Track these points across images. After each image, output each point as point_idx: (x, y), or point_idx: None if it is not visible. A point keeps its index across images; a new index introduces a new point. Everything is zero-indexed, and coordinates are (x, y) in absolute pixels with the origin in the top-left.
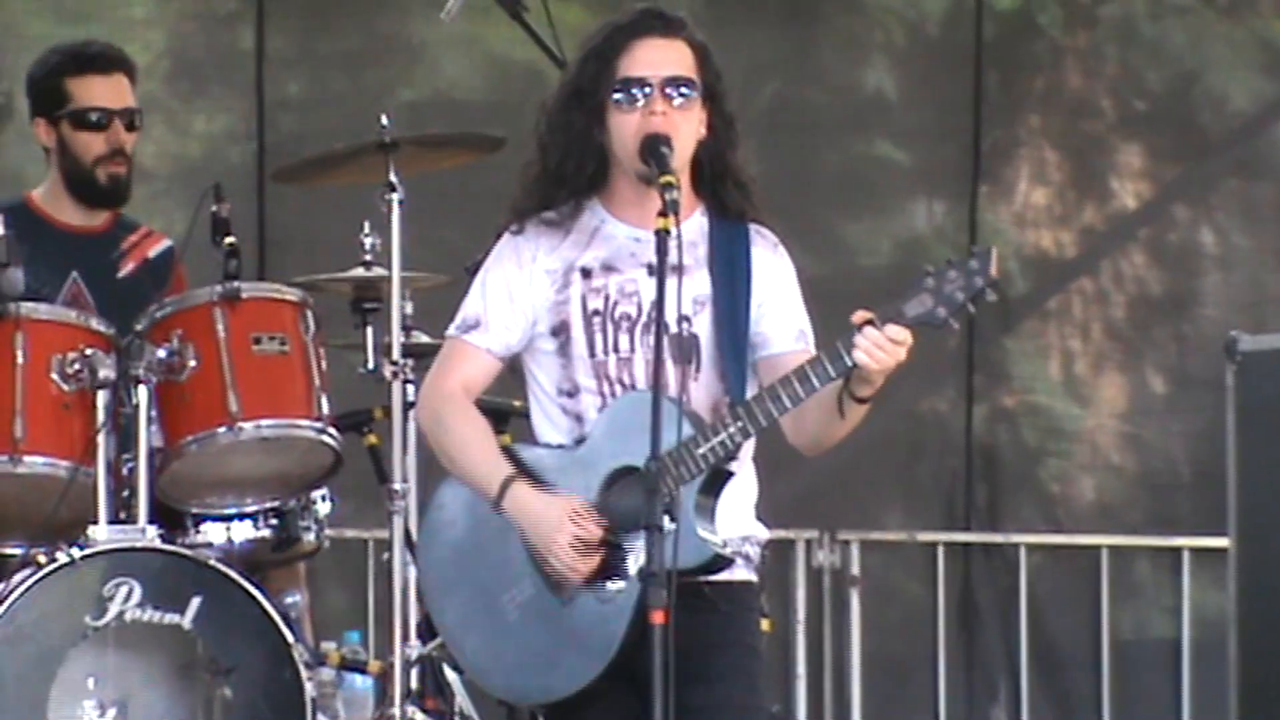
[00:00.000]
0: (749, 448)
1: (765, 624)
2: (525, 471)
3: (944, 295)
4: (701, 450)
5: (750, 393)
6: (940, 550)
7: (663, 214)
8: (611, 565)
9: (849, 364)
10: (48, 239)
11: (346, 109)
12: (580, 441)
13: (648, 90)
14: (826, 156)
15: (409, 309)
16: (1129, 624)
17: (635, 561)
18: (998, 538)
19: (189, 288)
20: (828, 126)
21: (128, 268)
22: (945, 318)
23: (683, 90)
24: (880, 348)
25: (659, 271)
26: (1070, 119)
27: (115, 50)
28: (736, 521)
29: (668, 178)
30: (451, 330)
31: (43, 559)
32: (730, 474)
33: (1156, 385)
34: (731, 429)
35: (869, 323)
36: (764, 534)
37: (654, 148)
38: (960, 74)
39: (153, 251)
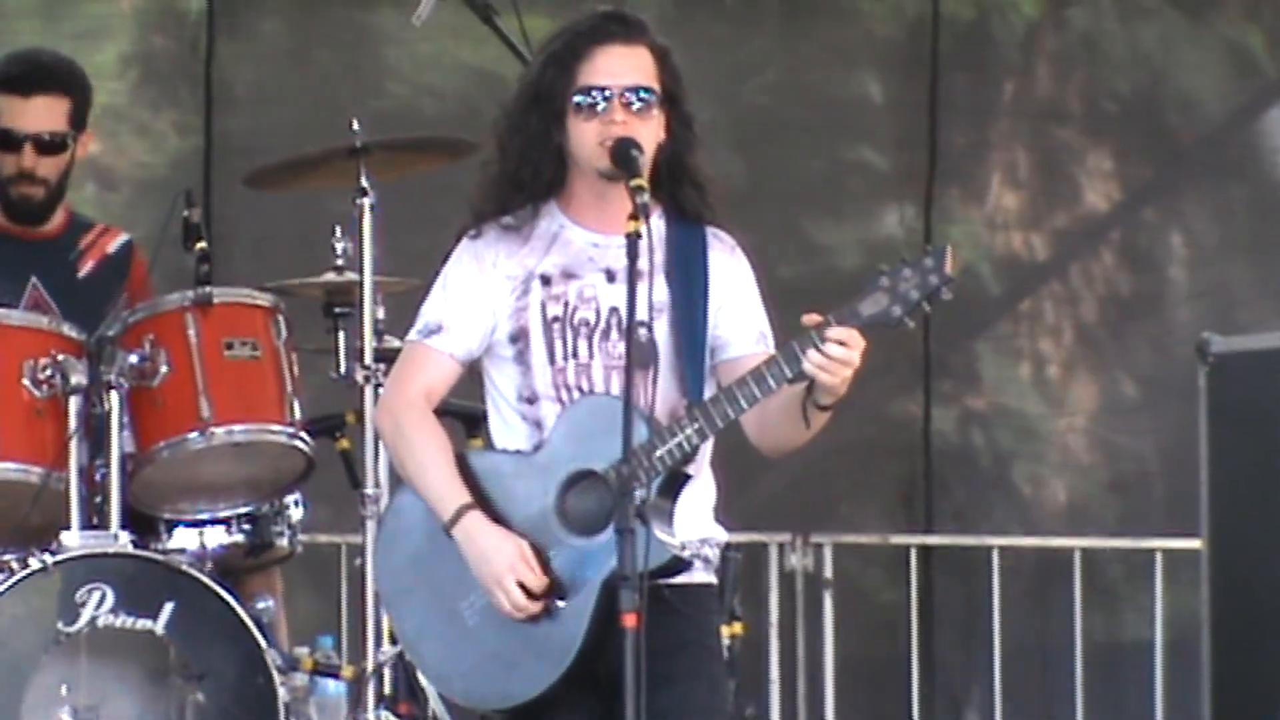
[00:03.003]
0: (707, 451)
1: (738, 627)
2: (480, 491)
3: (899, 294)
4: (659, 453)
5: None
6: (913, 553)
7: (633, 216)
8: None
9: (805, 365)
10: (2, 247)
11: (316, 115)
12: (538, 447)
13: (608, 99)
14: (802, 160)
15: (381, 313)
16: (1102, 626)
17: (593, 567)
18: (970, 540)
19: (150, 279)
20: (804, 131)
21: (88, 266)
22: (900, 316)
23: (642, 96)
24: (834, 359)
25: (630, 274)
26: (1040, 122)
27: (50, 71)
28: (695, 524)
29: (639, 181)
30: (412, 335)
31: (15, 565)
32: (688, 477)
33: (1128, 387)
34: (689, 431)
35: (824, 323)
36: (723, 536)
37: (624, 152)
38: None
39: (111, 247)
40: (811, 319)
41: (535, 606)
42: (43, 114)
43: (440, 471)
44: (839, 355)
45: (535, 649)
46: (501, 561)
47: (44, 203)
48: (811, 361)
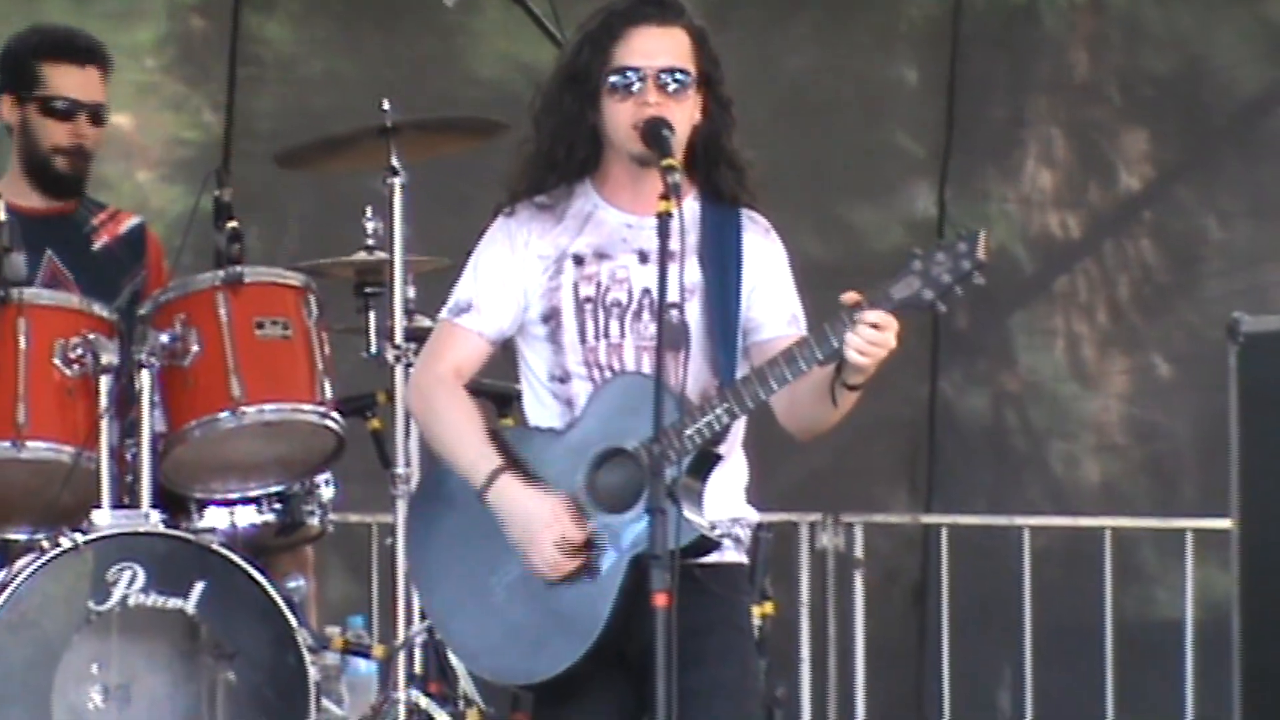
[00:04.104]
0: (739, 432)
1: (769, 607)
2: (513, 458)
3: (931, 278)
4: (689, 431)
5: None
6: (944, 532)
7: (664, 197)
8: (593, 563)
9: (835, 346)
10: (17, 222)
11: (348, 96)
12: (571, 425)
13: (642, 79)
14: (840, 141)
15: (411, 293)
16: (1133, 606)
17: (621, 542)
18: (1001, 520)
19: (165, 260)
20: (842, 112)
21: (102, 240)
22: (932, 300)
23: (677, 78)
24: (871, 342)
25: (660, 254)
26: (1077, 102)
27: (95, 43)
28: (726, 504)
29: (670, 161)
30: (444, 313)
31: (46, 544)
32: (718, 457)
33: (1161, 368)
34: (718, 410)
35: (857, 305)
36: (754, 516)
37: (655, 131)
38: (966, 60)
39: (123, 228)
40: (850, 297)
41: (572, 564)
42: (96, 84)
43: (473, 439)
44: (874, 338)
45: (562, 625)
46: (539, 519)
47: (83, 176)
48: (849, 344)
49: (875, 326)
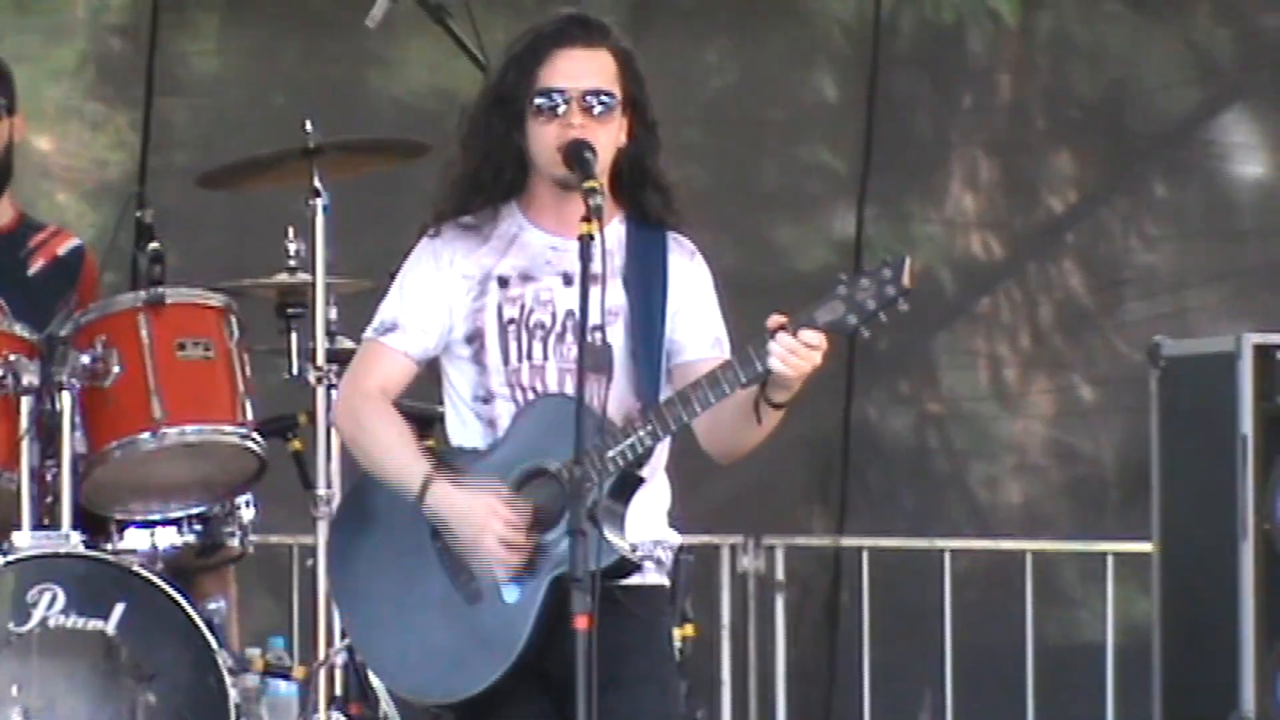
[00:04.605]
0: (662, 455)
1: (690, 629)
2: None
3: (856, 303)
4: (611, 453)
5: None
6: (865, 555)
7: (586, 219)
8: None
9: (760, 369)
10: None
11: (268, 115)
12: (494, 446)
13: (567, 101)
14: (763, 160)
15: (333, 314)
16: (1054, 629)
17: (542, 564)
18: (922, 543)
19: (100, 283)
20: (766, 132)
21: (38, 264)
22: (856, 325)
23: (602, 100)
24: (795, 353)
25: (582, 277)
26: (1002, 124)
27: None
28: (648, 526)
29: (591, 183)
30: (369, 332)
31: None
32: (641, 480)
33: (1083, 390)
34: (641, 432)
35: (782, 328)
36: (676, 539)
37: (578, 153)
38: (892, 80)
39: (62, 249)
40: (775, 321)
41: (519, 554)
42: None
43: (403, 450)
44: (798, 349)
45: (482, 644)
46: (480, 512)
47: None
48: (772, 352)
49: (808, 345)
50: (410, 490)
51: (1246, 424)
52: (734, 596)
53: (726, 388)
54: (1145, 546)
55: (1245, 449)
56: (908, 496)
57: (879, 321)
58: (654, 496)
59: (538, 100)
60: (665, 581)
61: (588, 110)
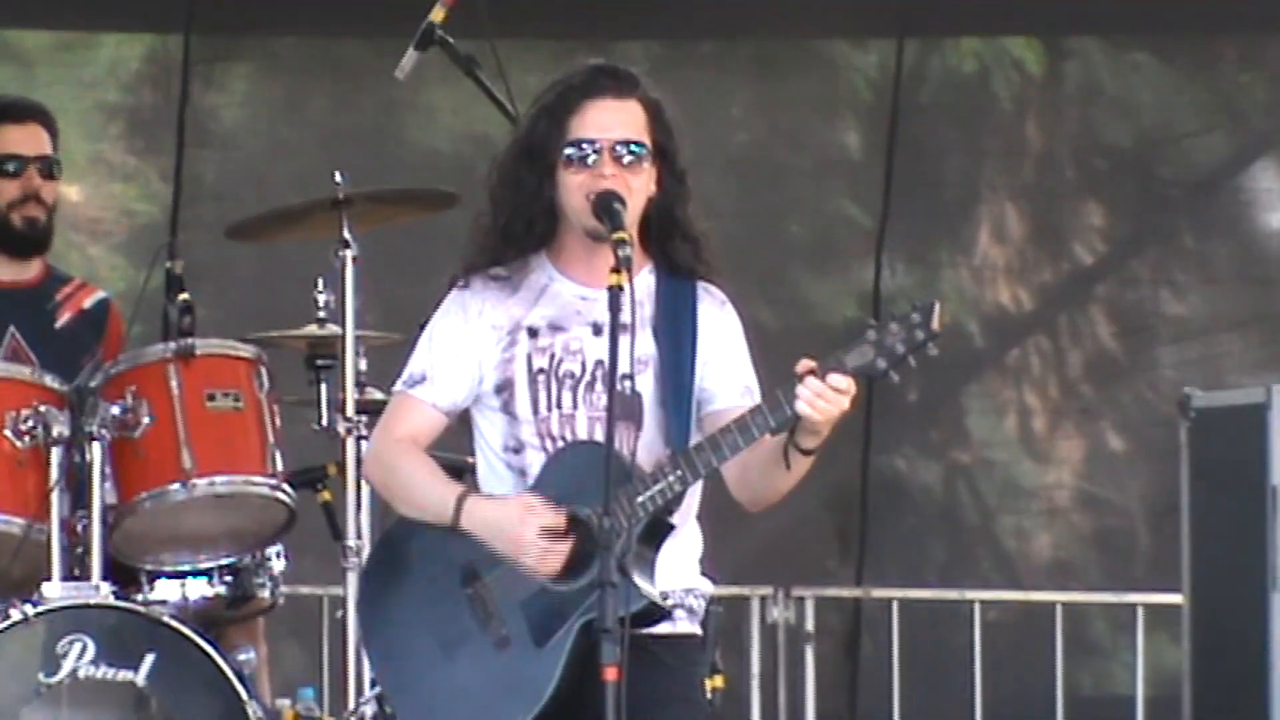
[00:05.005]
0: (693, 503)
1: (719, 680)
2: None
3: (885, 347)
4: (640, 499)
5: None
6: (895, 606)
7: (615, 270)
8: (580, 556)
9: (789, 413)
10: None
11: (302, 169)
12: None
13: (597, 151)
14: (792, 212)
15: (363, 365)
16: (1084, 680)
17: (571, 611)
18: (953, 594)
19: (127, 336)
20: (794, 182)
21: (64, 318)
22: (885, 369)
23: (632, 150)
24: (822, 397)
25: (611, 328)
26: (1031, 176)
27: (32, 102)
28: (680, 574)
29: (621, 234)
30: (398, 385)
31: None
32: (671, 526)
33: (1113, 442)
34: (670, 478)
35: (811, 372)
36: (708, 587)
37: (607, 204)
38: (919, 132)
39: (88, 302)
40: (805, 365)
41: (560, 553)
42: (41, 139)
43: (433, 481)
44: (826, 394)
45: (510, 689)
46: (515, 516)
47: (46, 227)
48: (799, 396)
49: (836, 390)
50: (445, 514)
51: (1277, 475)
52: (763, 647)
53: (756, 432)
54: (1175, 598)
55: (1275, 500)
56: (937, 547)
57: (908, 366)
58: (686, 545)
59: (568, 151)
60: (697, 630)
61: (618, 160)
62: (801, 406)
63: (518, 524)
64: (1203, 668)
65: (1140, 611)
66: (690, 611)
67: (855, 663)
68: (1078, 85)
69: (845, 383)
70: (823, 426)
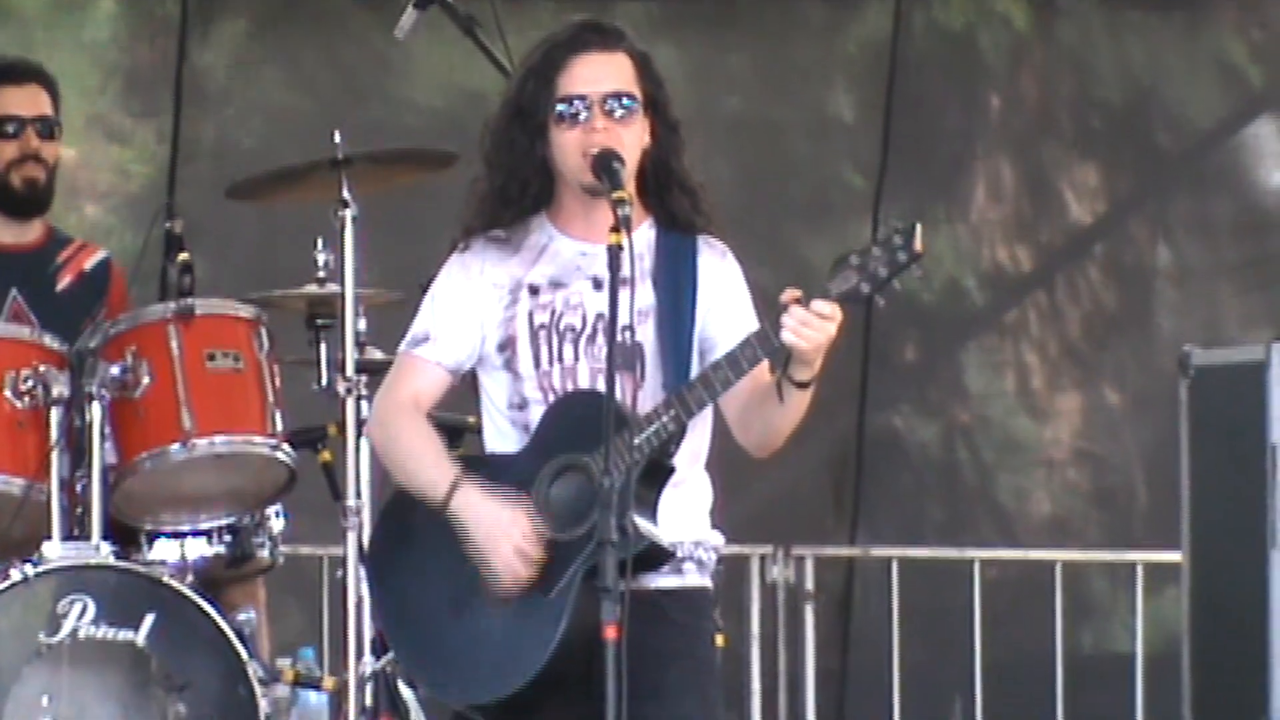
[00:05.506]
0: (701, 450)
1: (720, 639)
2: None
3: (868, 271)
4: (637, 440)
5: None
6: (894, 565)
7: (615, 229)
8: (549, 578)
9: (776, 344)
10: None
11: (299, 128)
12: (524, 447)
13: (588, 107)
14: (790, 172)
15: (362, 325)
16: (1086, 639)
17: (573, 561)
18: (952, 553)
19: (129, 296)
20: (792, 143)
21: (65, 280)
22: (870, 293)
23: (624, 103)
24: (807, 325)
25: (611, 287)
26: (1026, 134)
27: (31, 63)
28: (690, 526)
29: (620, 194)
30: (403, 345)
31: None
32: (671, 468)
33: (1112, 400)
34: (664, 417)
35: (797, 301)
36: (718, 540)
37: (606, 164)
38: (909, 86)
39: (89, 263)
40: (790, 295)
41: (528, 573)
42: (40, 100)
43: (429, 456)
44: (816, 320)
45: (512, 646)
46: (500, 525)
47: (46, 187)
48: (785, 326)
49: (821, 316)
50: (437, 496)
51: (1276, 433)
52: (763, 606)
53: (745, 365)
54: (1175, 556)
55: (1275, 458)
56: (935, 506)
57: (893, 289)
58: (694, 495)
59: (559, 108)
60: (708, 584)
61: (610, 114)
62: (787, 335)
63: (500, 531)
64: (1202, 626)
65: (1140, 569)
66: (700, 564)
67: (847, 621)
68: (1070, 43)
69: (830, 309)
70: (812, 355)
